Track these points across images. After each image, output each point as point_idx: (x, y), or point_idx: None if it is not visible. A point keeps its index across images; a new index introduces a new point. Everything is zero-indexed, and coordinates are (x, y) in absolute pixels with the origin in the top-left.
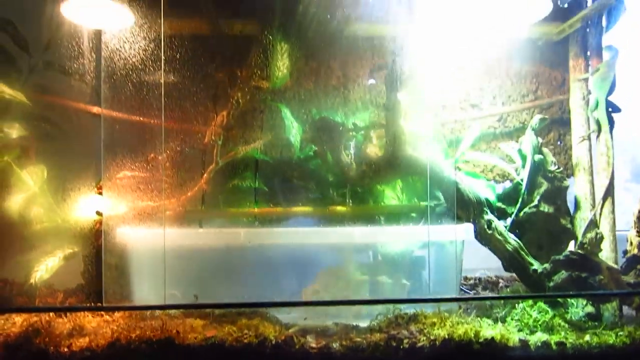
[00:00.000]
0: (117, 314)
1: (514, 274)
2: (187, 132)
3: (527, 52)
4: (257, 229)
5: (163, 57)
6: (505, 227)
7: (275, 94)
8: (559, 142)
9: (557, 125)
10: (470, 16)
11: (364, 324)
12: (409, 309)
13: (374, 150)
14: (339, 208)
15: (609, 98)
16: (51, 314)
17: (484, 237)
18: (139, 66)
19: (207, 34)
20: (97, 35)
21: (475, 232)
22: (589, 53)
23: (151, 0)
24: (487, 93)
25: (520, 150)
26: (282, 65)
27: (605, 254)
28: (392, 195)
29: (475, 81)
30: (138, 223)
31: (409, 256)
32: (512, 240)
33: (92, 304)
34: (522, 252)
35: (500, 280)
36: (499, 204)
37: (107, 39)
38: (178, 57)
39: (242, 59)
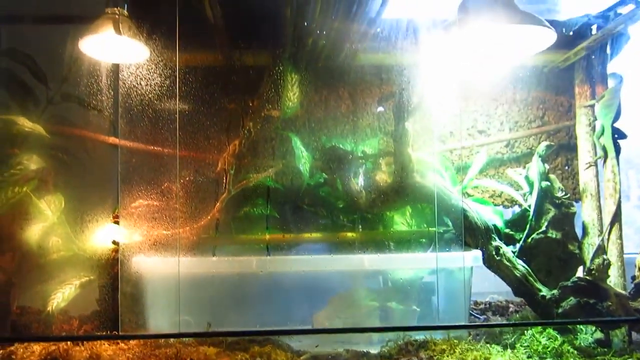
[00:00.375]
0: (132, 342)
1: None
2: (200, 161)
3: (533, 79)
4: (269, 257)
5: (178, 93)
6: (513, 253)
7: (285, 123)
8: (566, 167)
9: (564, 150)
10: (478, 45)
11: (374, 350)
12: (419, 336)
13: (383, 177)
14: (349, 234)
15: (615, 124)
16: (68, 342)
17: (492, 263)
18: (155, 99)
19: (220, 66)
20: (115, 69)
21: (483, 258)
22: (594, 80)
23: (166, 36)
24: (495, 119)
25: (527, 177)
26: (292, 95)
27: (614, 280)
28: (401, 221)
29: (483, 108)
30: (153, 251)
31: (418, 282)
32: (520, 266)
33: (108, 332)
34: (531, 278)
35: (511, 305)
36: (507, 230)
37: (125, 75)
38: (191, 89)
39: (253, 90)
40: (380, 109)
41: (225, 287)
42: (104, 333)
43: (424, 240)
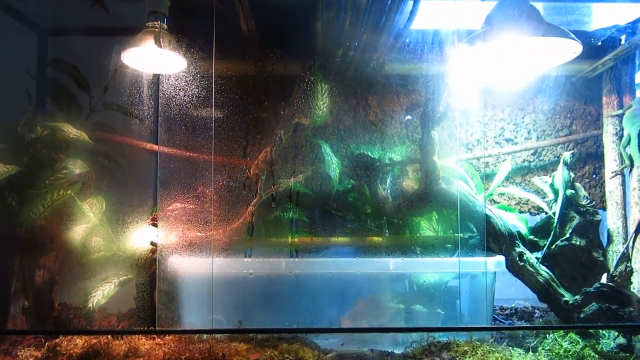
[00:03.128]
0: (167, 338)
1: None
2: (233, 167)
3: (561, 89)
4: (298, 259)
5: (214, 102)
6: (537, 259)
7: (315, 131)
8: (594, 176)
9: (592, 159)
10: (503, 56)
11: (399, 350)
12: (442, 337)
13: (409, 184)
14: (376, 239)
15: None
16: (108, 336)
17: (516, 268)
18: (192, 108)
19: (253, 76)
20: (155, 79)
21: (506, 263)
22: (621, 90)
23: (203, 48)
24: (522, 128)
25: (552, 185)
26: (322, 103)
27: (637, 287)
28: (427, 226)
29: (510, 117)
30: (188, 252)
31: (442, 286)
32: (544, 272)
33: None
34: (554, 284)
35: (536, 311)
36: (531, 237)
37: (164, 86)
38: (226, 98)
39: (285, 98)
40: (408, 117)
41: (257, 288)
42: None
43: (449, 245)
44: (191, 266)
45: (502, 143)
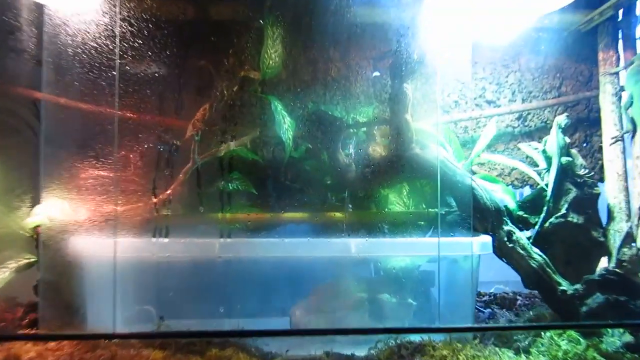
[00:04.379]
0: (64, 341)
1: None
2: (164, 127)
3: (551, 44)
4: (232, 239)
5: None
6: (528, 239)
7: (266, 86)
8: (585, 144)
9: (583, 125)
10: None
11: (361, 352)
12: (414, 337)
13: (377, 149)
14: (337, 215)
15: None
16: None
17: (504, 251)
18: (93, 45)
19: (187, 15)
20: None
21: (493, 245)
22: (621, 44)
23: None
24: (505, 88)
25: (544, 152)
26: (273, 52)
27: None
28: (397, 201)
29: (492, 75)
30: (87, 233)
31: (415, 272)
32: (537, 255)
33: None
34: (549, 270)
35: (519, 298)
36: (520, 213)
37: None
38: (155, 41)
39: (228, 46)
40: (376, 73)
41: (181, 275)
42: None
43: (422, 222)
44: (91, 250)
45: (483, 105)
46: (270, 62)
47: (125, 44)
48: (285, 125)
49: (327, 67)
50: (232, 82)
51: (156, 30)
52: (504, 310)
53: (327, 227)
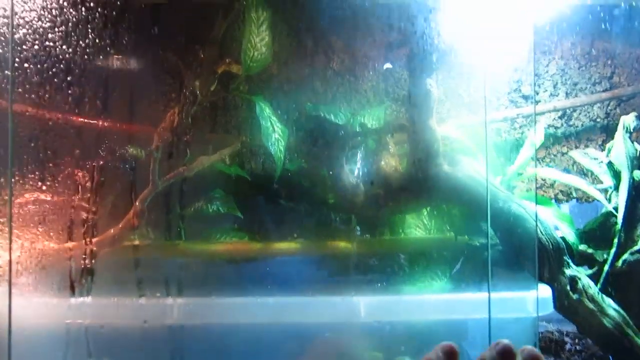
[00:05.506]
0: None
1: None
2: (121, 136)
3: (599, 25)
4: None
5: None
6: (594, 282)
7: (252, 84)
8: None
9: None
10: None
11: None
12: None
13: (391, 162)
14: (343, 244)
15: None
16: None
17: (566, 305)
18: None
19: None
20: None
21: (553, 297)
22: None
23: None
24: (545, 80)
25: (610, 164)
26: (259, 42)
27: None
28: (415, 222)
29: (529, 64)
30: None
31: (444, 328)
32: (612, 310)
33: None
34: (629, 331)
35: (567, 340)
36: (583, 248)
37: None
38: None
39: (203, 33)
40: (388, 65)
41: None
42: None
43: (445, 253)
44: None
45: (519, 101)
46: (255, 54)
47: (64, 33)
48: (274, 134)
49: (327, 59)
50: (208, 80)
51: (104, 11)
52: (551, 359)
53: (331, 261)
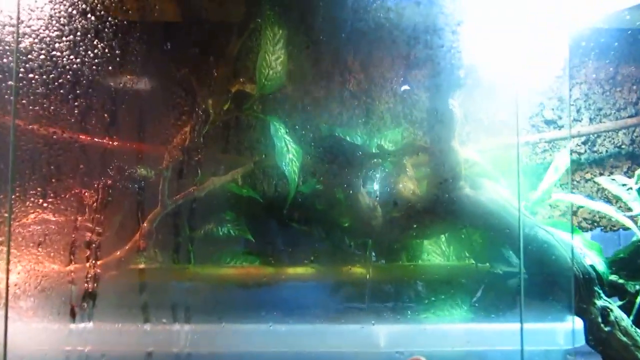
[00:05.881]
0: None
1: None
2: (132, 156)
3: (624, 48)
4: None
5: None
6: (627, 313)
7: (266, 103)
8: None
9: None
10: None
11: None
12: None
13: (409, 185)
14: (358, 269)
15: None
16: None
17: (598, 338)
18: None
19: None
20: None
21: (585, 330)
22: None
23: None
24: (568, 105)
25: None
26: (274, 61)
27: None
28: (433, 248)
29: (552, 89)
30: None
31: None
32: None
33: None
34: None
35: None
36: (613, 278)
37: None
38: (122, 50)
39: (217, 52)
40: (405, 87)
41: None
42: None
43: (465, 281)
44: None
45: (541, 126)
46: (270, 72)
47: (72, 45)
48: (289, 154)
49: (344, 79)
50: (221, 98)
51: (120, 30)
52: None
53: (344, 286)
